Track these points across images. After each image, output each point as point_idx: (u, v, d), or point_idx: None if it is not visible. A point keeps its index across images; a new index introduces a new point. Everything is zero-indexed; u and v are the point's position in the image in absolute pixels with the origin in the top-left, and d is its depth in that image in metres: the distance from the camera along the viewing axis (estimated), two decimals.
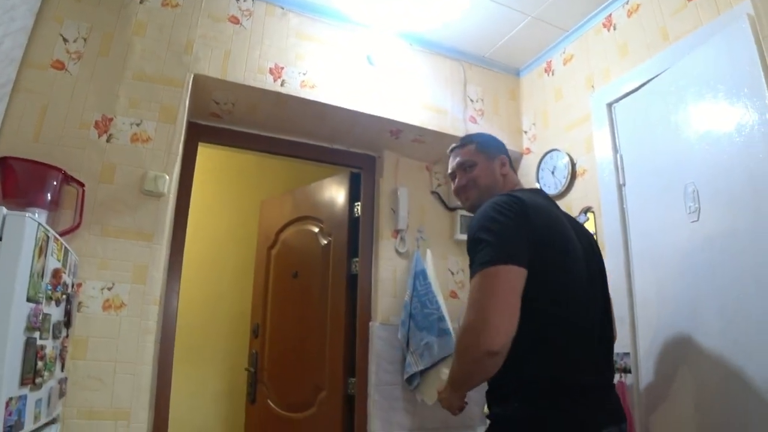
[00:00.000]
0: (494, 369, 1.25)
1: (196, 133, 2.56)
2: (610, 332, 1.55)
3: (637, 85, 2.28)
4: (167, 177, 2.01)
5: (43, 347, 1.33)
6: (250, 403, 3.22)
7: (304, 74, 2.43)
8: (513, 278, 1.26)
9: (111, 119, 2.03)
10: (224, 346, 3.78)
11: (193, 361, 3.59)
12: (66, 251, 1.55)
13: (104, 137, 2.00)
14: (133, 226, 1.94)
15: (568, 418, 1.28)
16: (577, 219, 2.48)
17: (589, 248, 1.53)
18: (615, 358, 2.15)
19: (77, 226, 1.83)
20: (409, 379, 2.60)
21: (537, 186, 2.73)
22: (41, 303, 1.30)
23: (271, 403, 3.07)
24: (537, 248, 1.31)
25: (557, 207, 1.61)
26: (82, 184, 1.87)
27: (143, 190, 1.97)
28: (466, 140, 1.77)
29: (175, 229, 2.37)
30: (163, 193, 1.99)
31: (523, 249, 1.30)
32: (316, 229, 3.14)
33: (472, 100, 2.87)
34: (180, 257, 2.38)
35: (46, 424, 1.43)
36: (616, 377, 2.13)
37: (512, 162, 1.75)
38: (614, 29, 2.48)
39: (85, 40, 2.05)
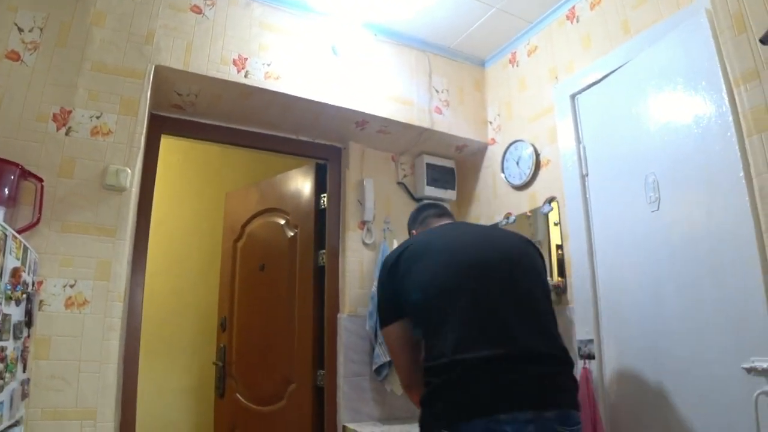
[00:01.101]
0: (415, 394, 1.62)
1: (159, 125, 2.50)
2: (543, 315, 1.59)
3: (599, 76, 2.32)
4: (129, 171, 1.97)
5: (3, 349, 1.30)
6: (218, 397, 3.19)
7: (268, 65, 2.40)
8: (395, 334, 1.68)
9: (70, 112, 1.96)
10: (192, 341, 3.73)
11: (160, 356, 3.54)
12: (25, 249, 1.51)
13: (63, 130, 1.94)
14: (94, 222, 1.89)
15: (446, 401, 1.42)
16: (541, 209, 2.52)
17: (499, 245, 1.70)
18: (579, 344, 2.22)
19: (36, 223, 1.78)
20: (378, 370, 2.62)
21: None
22: (0, 304, 1.27)
23: (240, 397, 3.05)
24: (405, 290, 1.64)
25: (458, 227, 1.91)
26: (40, 180, 1.81)
27: (105, 184, 1.93)
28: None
29: (139, 223, 2.32)
30: (125, 187, 1.95)
31: (394, 306, 1.67)
32: (283, 221, 3.12)
33: (437, 91, 2.88)
34: (144, 252, 2.34)
35: (9, 427, 1.39)
36: (580, 364, 2.19)
37: (422, 219, 2.07)
38: (577, 21, 2.51)
39: (41, 29, 1.98)
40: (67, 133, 1.94)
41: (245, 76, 2.33)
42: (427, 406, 1.49)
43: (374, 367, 2.62)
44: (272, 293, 3.04)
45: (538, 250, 1.83)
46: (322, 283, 2.83)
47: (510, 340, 1.43)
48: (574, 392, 1.49)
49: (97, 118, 2.00)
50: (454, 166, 3.12)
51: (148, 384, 3.28)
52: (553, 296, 2.37)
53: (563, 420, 1.38)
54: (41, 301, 1.75)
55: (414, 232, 2.07)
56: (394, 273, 1.67)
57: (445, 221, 1.98)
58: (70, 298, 1.80)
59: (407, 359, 1.67)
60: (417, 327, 1.62)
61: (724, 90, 1.75)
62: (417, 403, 1.58)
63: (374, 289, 2.67)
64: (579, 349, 2.21)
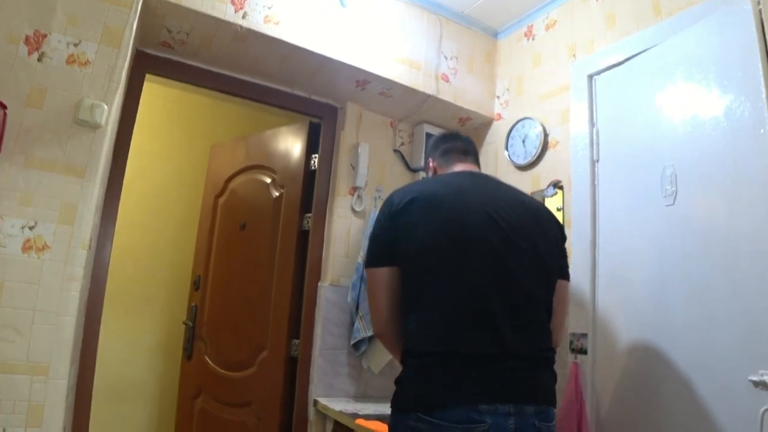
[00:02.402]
0: (387, 346, 1.56)
1: (144, 63, 2.30)
2: (534, 306, 1.47)
3: (621, 58, 2.17)
4: (105, 107, 1.77)
5: None
6: (186, 358, 3.05)
7: (269, 8, 2.20)
8: (380, 278, 1.49)
9: (45, 36, 1.76)
10: (163, 298, 3.56)
11: (128, 311, 3.38)
12: None
13: (35, 55, 1.74)
14: (62, 159, 1.70)
15: (418, 391, 1.35)
16: (544, 192, 2.39)
17: (517, 220, 1.50)
18: (571, 338, 2.11)
19: None
20: (356, 345, 2.50)
21: (508, 157, 2.63)
22: None
23: (208, 360, 2.91)
24: (404, 242, 1.46)
25: (477, 183, 1.60)
26: (4, 106, 1.61)
27: (77, 119, 1.73)
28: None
29: (113, 167, 2.14)
30: (99, 124, 1.76)
31: (388, 251, 1.49)
32: (269, 180, 2.94)
33: (446, 58, 2.70)
34: (116, 199, 2.16)
35: None
36: (570, 357, 2.08)
37: (445, 152, 1.80)
38: None
39: None
40: (39, 59, 1.74)
41: (243, 17, 2.13)
42: (403, 386, 1.40)
43: (353, 342, 2.50)
44: (251, 255, 2.88)
45: (559, 224, 1.70)
46: (305, 248, 2.68)
47: (499, 340, 1.35)
48: (554, 389, 1.45)
49: (75, 45, 1.80)
50: None
51: (113, 339, 3.15)
52: None
53: (542, 416, 1.37)
54: None
55: (431, 162, 1.84)
56: (397, 218, 1.49)
57: (469, 165, 1.75)
58: (28, 240, 1.62)
59: (388, 303, 1.49)
60: (404, 281, 1.48)
61: (763, 84, 1.62)
62: (397, 357, 1.52)
63: (360, 259, 2.53)
64: (571, 342, 2.11)
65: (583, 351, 2.05)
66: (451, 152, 1.79)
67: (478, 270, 1.40)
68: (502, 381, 1.33)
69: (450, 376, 1.32)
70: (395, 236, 1.48)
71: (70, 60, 1.78)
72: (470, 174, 1.68)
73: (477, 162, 1.80)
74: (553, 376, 1.47)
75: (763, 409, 1.46)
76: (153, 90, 2.69)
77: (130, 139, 2.22)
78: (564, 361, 2.13)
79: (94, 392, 2.04)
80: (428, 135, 2.83)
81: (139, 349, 3.44)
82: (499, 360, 1.34)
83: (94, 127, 1.76)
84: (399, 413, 1.37)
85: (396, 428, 1.37)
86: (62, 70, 1.76)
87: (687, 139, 1.85)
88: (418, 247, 1.44)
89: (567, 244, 2.22)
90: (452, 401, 1.28)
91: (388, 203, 1.55)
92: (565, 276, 1.65)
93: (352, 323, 2.52)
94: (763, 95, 1.61)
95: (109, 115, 1.79)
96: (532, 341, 1.42)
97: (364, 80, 2.51)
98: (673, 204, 1.84)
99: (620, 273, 2.01)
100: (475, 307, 1.37)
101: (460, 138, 1.86)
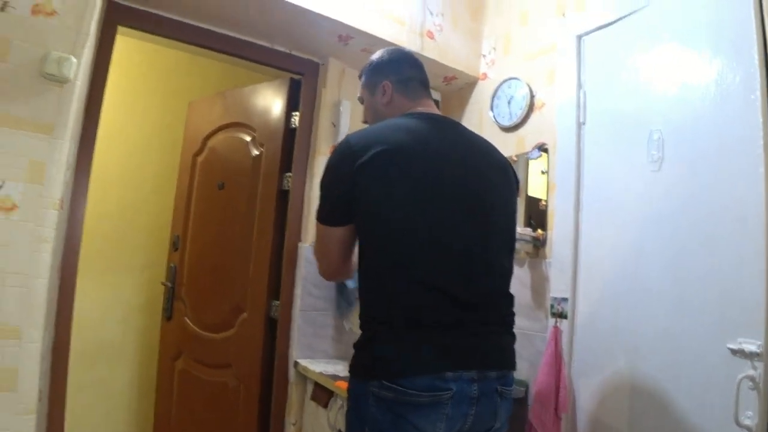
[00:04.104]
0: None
1: (115, 15, 2.18)
2: (500, 274, 1.45)
3: (612, 18, 2.10)
4: (74, 60, 1.68)
5: None
6: (165, 319, 3.02)
7: None
8: (335, 236, 1.42)
9: None
10: (142, 258, 3.49)
11: (105, 272, 3.31)
12: None
13: None
14: (28, 115, 1.62)
15: (380, 356, 1.30)
16: (529, 155, 2.36)
17: (490, 186, 1.45)
18: (551, 302, 2.12)
19: None
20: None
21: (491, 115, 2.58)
22: None
23: (188, 321, 2.88)
24: (366, 202, 1.35)
25: (446, 137, 1.46)
26: None
27: (43, 73, 1.64)
28: (360, 73, 1.70)
29: (85, 123, 2.05)
30: (68, 78, 1.67)
31: (341, 208, 1.38)
32: (248, 138, 2.87)
33: (431, 13, 2.61)
34: (89, 157, 2.08)
35: None
36: (551, 322, 2.09)
37: (407, 79, 1.58)
38: None
39: None
40: (2, 9, 1.63)
41: None
42: (364, 352, 1.35)
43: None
44: (230, 214, 2.83)
45: (518, 181, 1.64)
46: (285, 208, 2.63)
47: (462, 307, 1.32)
48: (514, 353, 1.45)
49: None
50: (439, 98, 2.90)
51: (91, 300, 3.11)
52: (530, 248, 2.26)
53: (503, 380, 1.38)
54: None
55: (388, 85, 1.57)
56: (361, 172, 1.33)
57: (430, 105, 1.58)
58: None
59: (341, 256, 1.45)
60: (367, 242, 1.38)
61: (756, 48, 1.58)
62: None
63: None
64: (551, 306, 2.11)
65: (563, 315, 2.06)
66: (412, 82, 1.58)
67: (447, 241, 1.34)
68: (465, 348, 1.31)
69: (413, 344, 1.28)
70: (356, 193, 1.34)
71: (35, 10, 1.68)
72: (439, 122, 1.50)
73: (437, 107, 1.64)
74: (513, 339, 1.45)
75: (740, 377, 1.47)
76: (129, 45, 2.56)
77: (102, 95, 2.12)
78: (543, 325, 2.15)
79: (72, 356, 2.01)
80: None
81: (117, 311, 3.40)
82: (461, 326, 1.32)
83: (62, 81, 1.67)
84: (360, 379, 1.32)
85: (356, 394, 1.33)
86: (27, 21, 1.66)
87: (676, 104, 1.81)
88: (383, 209, 1.34)
89: (550, 208, 2.23)
90: (417, 369, 1.26)
91: (347, 150, 1.36)
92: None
93: (334, 286, 2.51)
94: (756, 60, 1.57)
95: (78, 69, 1.71)
96: (495, 307, 1.40)
97: (346, 35, 2.42)
98: (659, 170, 1.82)
99: (602, 238, 2.00)
100: (439, 276, 1.32)
101: (418, 64, 1.64)
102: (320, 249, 1.49)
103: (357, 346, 1.37)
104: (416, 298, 1.30)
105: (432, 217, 1.34)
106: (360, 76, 1.68)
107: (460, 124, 1.60)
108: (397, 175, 1.34)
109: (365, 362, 1.33)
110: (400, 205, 1.33)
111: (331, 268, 1.50)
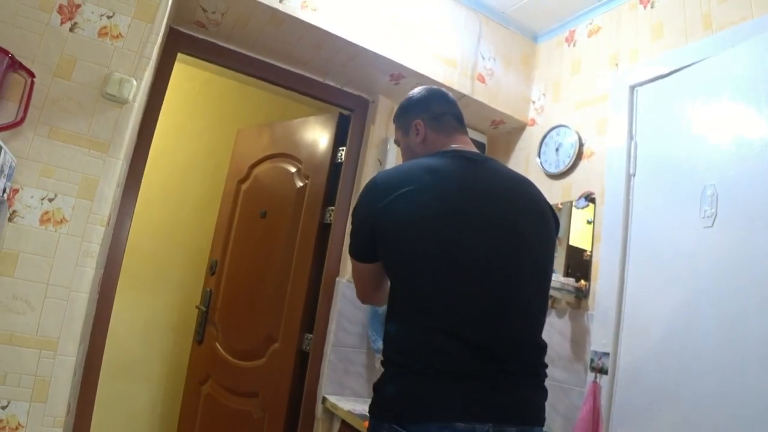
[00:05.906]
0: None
1: (176, 41, 2.27)
2: (530, 323, 1.37)
3: (666, 71, 2.08)
4: (134, 82, 1.74)
5: None
6: (197, 343, 3.02)
7: None
8: (363, 269, 1.48)
9: (78, 6, 1.72)
10: (178, 279, 3.53)
11: (141, 289, 3.35)
12: (0, 148, 1.30)
13: (67, 25, 1.70)
14: (87, 133, 1.67)
15: (397, 405, 1.26)
16: (576, 203, 2.31)
17: (526, 229, 1.38)
18: (592, 356, 2.04)
19: (20, 122, 1.56)
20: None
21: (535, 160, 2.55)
22: None
23: (218, 346, 2.88)
24: (386, 246, 1.36)
25: (470, 169, 1.41)
26: (32, 74, 1.59)
27: (105, 93, 1.70)
28: (393, 116, 1.71)
29: (138, 144, 2.11)
30: (127, 99, 1.72)
31: (366, 247, 1.41)
32: (294, 169, 2.90)
33: (483, 58, 2.63)
34: (139, 177, 2.13)
35: None
36: (590, 377, 2.01)
37: (439, 115, 1.56)
38: (652, 7, 2.26)
39: None
40: (71, 29, 1.71)
41: (280, 1, 2.09)
42: (380, 393, 1.32)
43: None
44: (270, 243, 2.85)
45: (558, 223, 1.56)
46: (326, 242, 2.63)
47: (492, 356, 1.26)
48: (542, 407, 1.35)
49: (109, 18, 1.76)
50: (485, 141, 2.89)
51: (124, 316, 3.13)
52: (572, 299, 2.19)
53: None
54: (13, 211, 1.55)
55: (420, 124, 1.55)
56: (378, 216, 1.34)
57: (466, 141, 1.55)
58: (46, 213, 1.59)
59: (374, 285, 1.52)
60: (392, 282, 1.39)
61: None
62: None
63: None
64: (591, 360, 2.03)
65: (603, 371, 1.98)
66: (445, 117, 1.56)
67: (473, 286, 1.29)
68: (482, 399, 1.24)
69: (427, 391, 1.24)
70: (376, 237, 1.36)
71: (102, 32, 1.75)
72: (471, 160, 1.45)
73: (467, 131, 1.60)
74: (543, 393, 1.36)
75: None
76: (182, 71, 2.65)
77: (157, 118, 2.19)
78: (581, 378, 2.07)
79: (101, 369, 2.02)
80: None
81: (149, 329, 3.42)
82: (482, 376, 1.25)
83: (122, 102, 1.72)
84: (375, 420, 1.30)
85: None
86: (93, 42, 1.73)
87: (731, 159, 1.76)
88: (402, 254, 1.33)
89: (595, 258, 2.17)
90: (427, 416, 1.21)
91: (372, 190, 1.38)
92: None
93: (368, 324, 2.48)
94: None
95: (138, 91, 1.76)
96: (523, 357, 1.32)
97: (398, 74, 2.46)
98: (712, 226, 1.76)
99: (648, 293, 1.93)
100: (462, 324, 1.26)
101: (449, 99, 1.62)
102: (354, 276, 1.58)
103: (375, 385, 1.34)
104: (435, 345, 1.25)
105: (458, 260, 1.29)
106: (394, 120, 1.70)
107: (495, 160, 1.56)
108: (418, 219, 1.31)
109: (381, 403, 1.31)
110: (422, 248, 1.30)
111: (362, 295, 1.58)
